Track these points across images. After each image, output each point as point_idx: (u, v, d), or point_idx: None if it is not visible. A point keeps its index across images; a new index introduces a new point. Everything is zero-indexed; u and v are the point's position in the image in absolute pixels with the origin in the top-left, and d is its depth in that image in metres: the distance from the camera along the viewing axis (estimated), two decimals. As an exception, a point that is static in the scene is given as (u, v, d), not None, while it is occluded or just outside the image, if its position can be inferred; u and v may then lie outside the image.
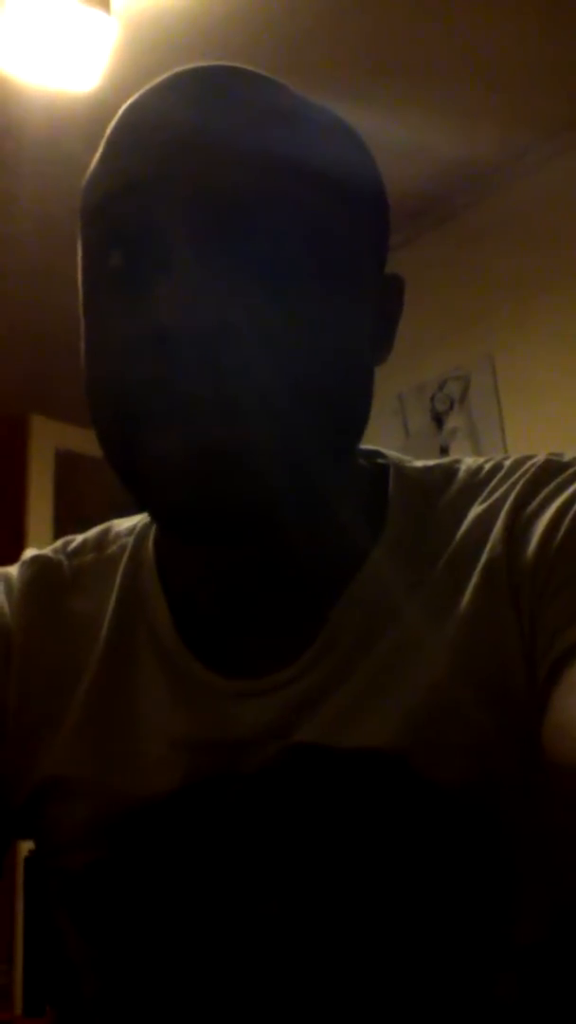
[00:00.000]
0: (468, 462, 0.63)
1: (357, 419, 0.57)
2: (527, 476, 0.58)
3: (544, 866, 0.56)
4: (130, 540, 0.65)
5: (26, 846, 0.78)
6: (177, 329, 0.47)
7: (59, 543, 0.68)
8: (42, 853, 0.64)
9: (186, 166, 0.50)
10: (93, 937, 0.60)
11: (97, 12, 2.04)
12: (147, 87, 0.54)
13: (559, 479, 0.56)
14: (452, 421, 2.96)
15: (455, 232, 3.00)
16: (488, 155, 2.81)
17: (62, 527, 3.99)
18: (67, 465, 4.24)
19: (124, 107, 0.54)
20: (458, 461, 0.64)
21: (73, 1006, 0.66)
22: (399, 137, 2.46)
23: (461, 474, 0.62)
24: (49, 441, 4.26)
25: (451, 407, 2.97)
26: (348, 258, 0.54)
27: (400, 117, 2.48)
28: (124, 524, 0.68)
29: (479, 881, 0.54)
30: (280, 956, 0.55)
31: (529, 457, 0.60)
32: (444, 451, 2.96)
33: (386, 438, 3.00)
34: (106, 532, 0.68)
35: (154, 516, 0.55)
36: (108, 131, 0.54)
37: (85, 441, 4.25)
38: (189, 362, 0.48)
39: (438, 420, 3.00)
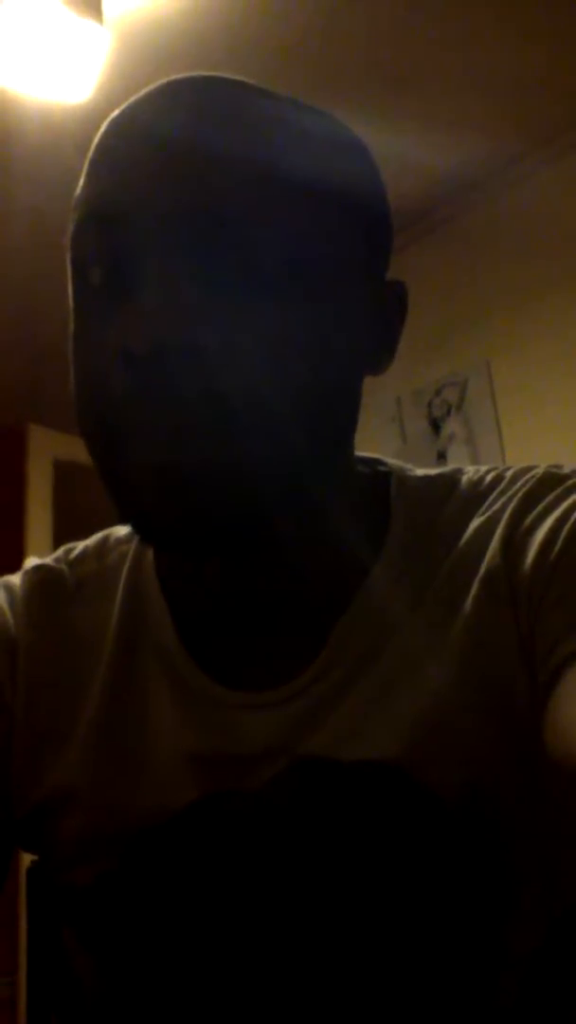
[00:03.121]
0: (470, 472, 0.63)
1: (342, 427, 0.56)
2: (525, 488, 0.58)
3: (543, 871, 0.56)
4: (130, 548, 0.65)
5: (29, 857, 0.78)
6: (161, 343, 0.48)
7: (60, 551, 0.68)
8: (48, 866, 0.64)
9: (165, 182, 0.50)
10: (99, 950, 0.60)
11: (90, 23, 2.04)
12: (131, 99, 0.54)
13: (557, 491, 0.57)
14: (449, 426, 2.96)
15: (451, 238, 3.00)
16: (483, 161, 2.82)
17: (61, 537, 3.96)
18: (65, 475, 4.23)
19: (114, 115, 0.54)
20: (460, 471, 0.64)
21: (78, 1018, 0.66)
22: (392, 144, 2.46)
23: (463, 485, 0.62)
24: (47, 451, 4.26)
25: (448, 412, 2.97)
26: (333, 270, 0.53)
27: (393, 124, 2.49)
28: (123, 530, 0.68)
29: (480, 889, 0.54)
30: (286, 968, 0.55)
31: (529, 469, 0.60)
32: (441, 456, 2.96)
33: (383, 443, 2.99)
34: (105, 540, 0.68)
35: (127, 523, 0.56)
36: (97, 138, 0.54)
37: (83, 451, 4.23)
38: (171, 376, 0.48)
39: (435, 425, 3.00)
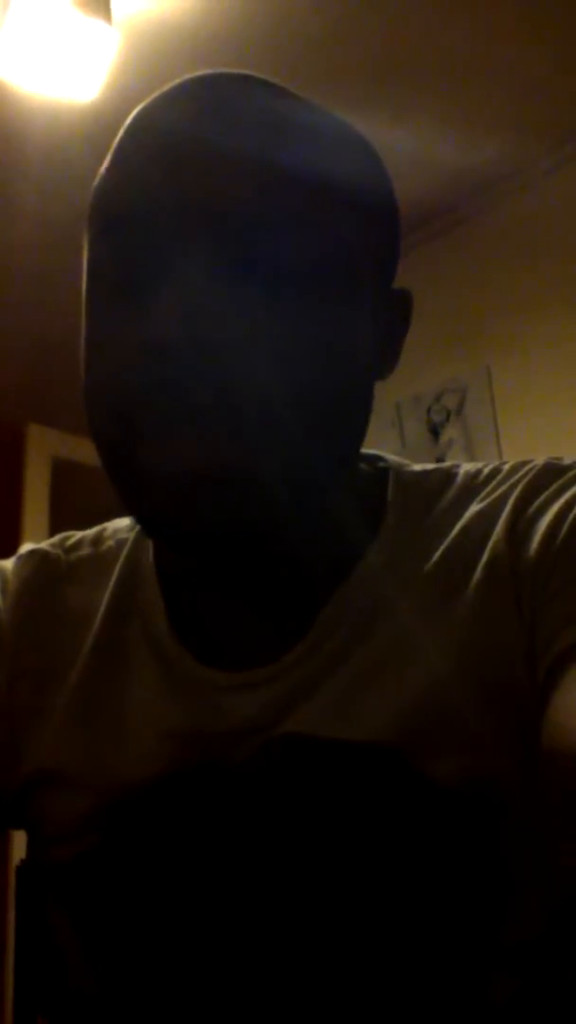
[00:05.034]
0: (467, 466, 0.64)
1: (353, 433, 0.57)
2: (528, 477, 0.59)
3: (539, 864, 0.56)
4: (130, 536, 0.66)
5: (18, 855, 0.78)
6: (176, 341, 0.48)
7: (56, 538, 0.70)
8: (34, 845, 0.64)
9: (192, 179, 0.50)
10: (83, 929, 0.60)
11: (98, 22, 2.04)
12: (156, 95, 0.55)
13: (560, 481, 0.57)
14: (448, 432, 2.96)
15: (455, 243, 3.01)
16: (490, 166, 2.81)
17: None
18: (64, 474, 4.23)
19: (133, 115, 0.55)
20: (457, 465, 0.65)
21: (65, 1012, 0.66)
22: (399, 147, 2.46)
23: (460, 478, 0.63)
24: (46, 450, 4.26)
25: (447, 418, 2.97)
26: (352, 272, 0.54)
27: (401, 126, 2.49)
28: (123, 522, 0.69)
29: (472, 878, 0.54)
30: (266, 947, 0.55)
31: (528, 461, 0.61)
32: (440, 462, 2.95)
33: (382, 448, 2.95)
34: (103, 529, 0.69)
35: (143, 525, 0.56)
36: (117, 138, 0.55)
37: (82, 450, 4.25)
38: (186, 374, 0.48)
39: (434, 431, 3.00)
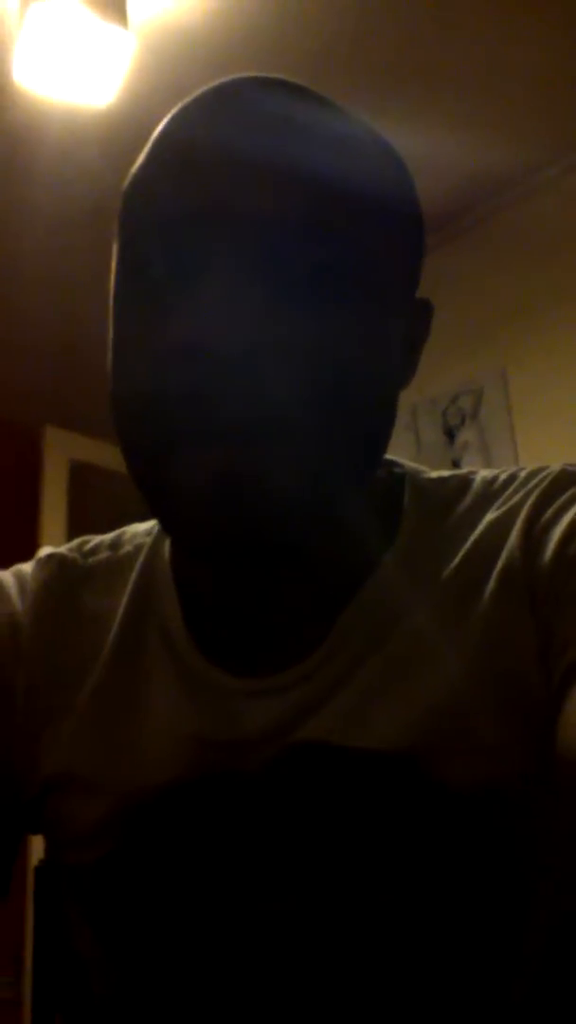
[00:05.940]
0: (483, 473, 0.64)
1: (382, 442, 0.57)
2: (543, 484, 0.59)
3: (557, 870, 0.55)
4: (148, 540, 0.66)
5: (36, 856, 0.78)
6: (213, 345, 0.48)
7: (75, 543, 0.70)
8: (52, 849, 0.65)
9: (217, 187, 0.50)
10: (103, 933, 0.60)
11: (115, 27, 2.05)
12: (183, 102, 0.55)
13: (574, 489, 0.57)
14: (464, 435, 2.96)
15: (470, 245, 3.00)
16: (504, 168, 2.81)
17: (75, 537, 3.91)
18: (81, 476, 4.24)
19: (169, 118, 0.55)
20: (473, 472, 0.65)
21: (83, 1013, 0.66)
22: (415, 149, 2.45)
23: (476, 484, 0.63)
24: (63, 452, 4.27)
25: (463, 421, 2.96)
26: (385, 281, 0.54)
27: (416, 130, 2.49)
28: (141, 526, 0.69)
29: (489, 884, 0.54)
30: (282, 954, 0.55)
31: (544, 467, 0.61)
32: (455, 465, 2.95)
33: (398, 451, 2.94)
34: (121, 534, 0.69)
35: (175, 535, 0.56)
36: (152, 142, 0.54)
37: (99, 452, 4.26)
38: (222, 379, 0.48)
39: (450, 434, 2.99)
